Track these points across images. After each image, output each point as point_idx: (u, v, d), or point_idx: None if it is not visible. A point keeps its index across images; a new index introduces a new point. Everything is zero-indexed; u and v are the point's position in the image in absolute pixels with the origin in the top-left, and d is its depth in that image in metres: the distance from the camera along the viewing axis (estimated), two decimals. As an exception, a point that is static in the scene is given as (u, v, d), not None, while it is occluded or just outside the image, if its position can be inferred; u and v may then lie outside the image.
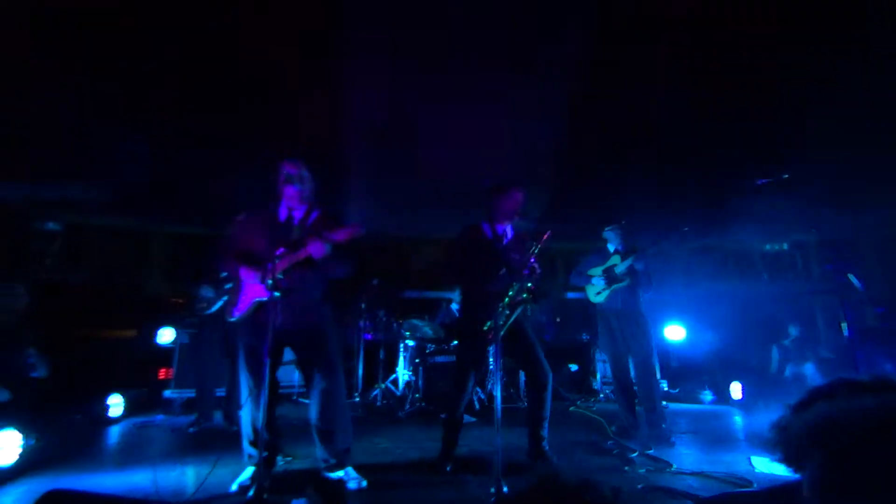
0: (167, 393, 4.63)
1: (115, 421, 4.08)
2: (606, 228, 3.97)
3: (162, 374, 4.85)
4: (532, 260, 2.78)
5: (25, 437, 2.62)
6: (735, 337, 5.59)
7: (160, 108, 3.55)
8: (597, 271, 3.94)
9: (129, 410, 4.28)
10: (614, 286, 3.83)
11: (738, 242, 6.19)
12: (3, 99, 3.36)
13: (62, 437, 3.04)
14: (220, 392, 4.08)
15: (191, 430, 3.82)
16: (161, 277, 6.28)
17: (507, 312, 2.80)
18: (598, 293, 3.91)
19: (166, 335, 4.77)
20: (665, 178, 4.32)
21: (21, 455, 2.59)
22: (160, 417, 4.30)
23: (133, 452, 3.29)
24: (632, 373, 3.84)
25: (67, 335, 5.13)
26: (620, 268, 3.79)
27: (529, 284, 2.80)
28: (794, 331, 5.44)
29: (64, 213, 5.61)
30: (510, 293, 2.78)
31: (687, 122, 3.53)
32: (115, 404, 4.13)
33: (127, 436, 3.78)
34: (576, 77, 3.03)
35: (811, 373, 5.05)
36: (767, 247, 6.35)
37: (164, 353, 4.78)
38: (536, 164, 4.53)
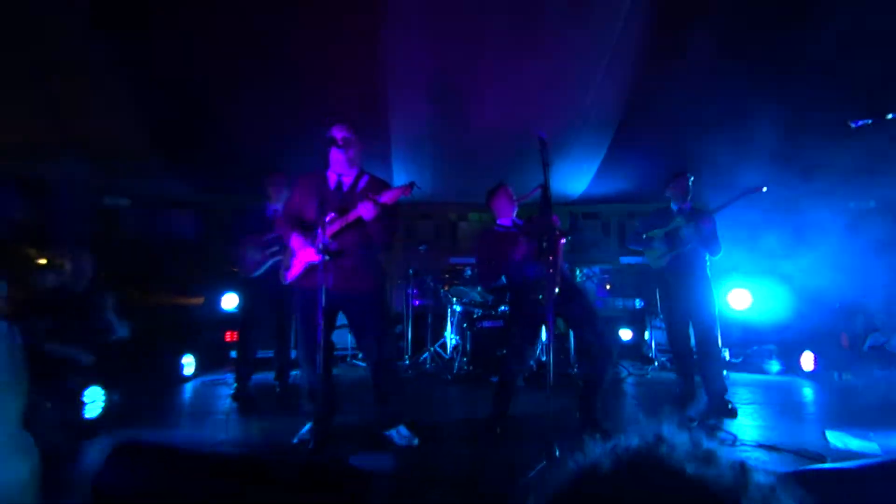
0: (234, 354, 4.95)
1: (188, 379, 4.44)
2: (670, 186, 3.63)
3: (228, 336, 5.20)
4: (554, 217, 2.75)
5: (108, 394, 2.88)
6: (813, 303, 5.14)
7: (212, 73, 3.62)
8: (657, 233, 3.65)
9: (200, 369, 4.64)
10: (678, 250, 3.53)
11: (818, 198, 5.59)
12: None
13: (141, 393, 3.33)
14: (269, 353, 4.12)
15: (230, 393, 3.75)
16: (223, 246, 6.61)
17: (551, 258, 2.73)
18: (659, 257, 3.63)
19: (229, 301, 5.05)
20: (735, 129, 3.91)
21: (104, 410, 2.84)
22: (228, 376, 4.62)
23: (203, 407, 3.57)
24: (692, 340, 3.64)
25: (144, 302, 5.58)
26: (686, 230, 3.48)
27: (557, 232, 2.76)
28: (880, 299, 4.92)
29: (133, 188, 5.97)
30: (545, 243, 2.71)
31: (766, 45, 3.10)
32: (188, 364, 4.48)
33: (198, 392, 4.11)
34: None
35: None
36: (852, 204, 5.70)
37: (230, 317, 5.09)
38: (589, 122, 4.27)
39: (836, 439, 2.74)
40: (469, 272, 5.39)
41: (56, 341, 3.35)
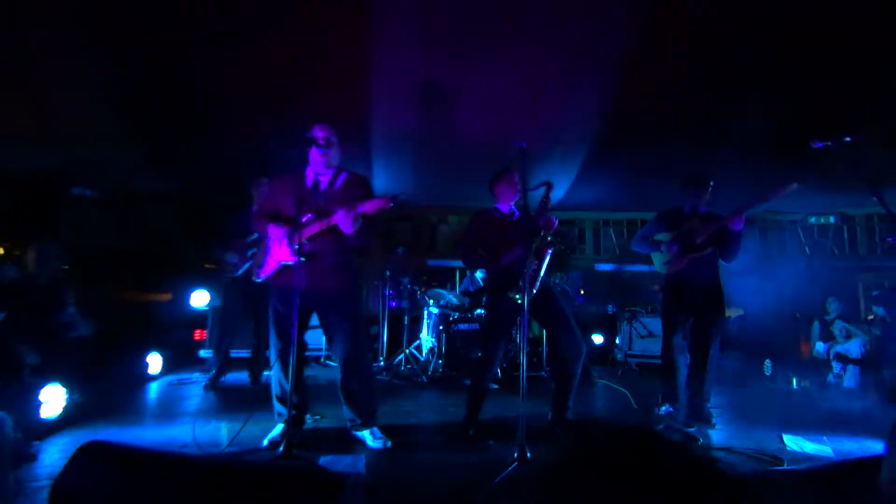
0: (202, 352, 4.92)
1: (154, 378, 4.31)
2: (689, 189, 3.36)
3: (197, 334, 5.10)
4: (553, 217, 2.82)
5: (69, 392, 2.77)
6: (772, 312, 5.37)
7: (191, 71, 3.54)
8: (665, 237, 3.40)
9: (167, 368, 4.51)
10: (692, 255, 3.28)
11: (780, 213, 5.88)
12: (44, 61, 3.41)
13: (104, 392, 3.21)
14: (243, 353, 4.32)
15: (203, 389, 3.94)
16: (197, 243, 6.43)
17: (535, 263, 2.77)
18: (668, 262, 3.37)
19: (199, 298, 4.94)
20: (703, 140, 4.03)
21: (65, 408, 2.73)
22: (196, 375, 4.51)
23: (170, 407, 3.47)
24: (686, 350, 3.39)
25: (111, 298, 5.39)
26: (702, 236, 3.22)
27: (549, 238, 2.80)
28: (833, 307, 5.20)
29: (105, 180, 5.75)
30: (535, 242, 2.74)
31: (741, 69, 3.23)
32: (154, 362, 4.35)
33: (164, 392, 3.98)
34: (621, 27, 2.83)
35: (855, 351, 4.83)
36: (812, 219, 5.98)
37: (200, 315, 5.00)
38: (567, 131, 4.35)
39: (793, 443, 2.88)
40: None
41: (11, 334, 3.21)
